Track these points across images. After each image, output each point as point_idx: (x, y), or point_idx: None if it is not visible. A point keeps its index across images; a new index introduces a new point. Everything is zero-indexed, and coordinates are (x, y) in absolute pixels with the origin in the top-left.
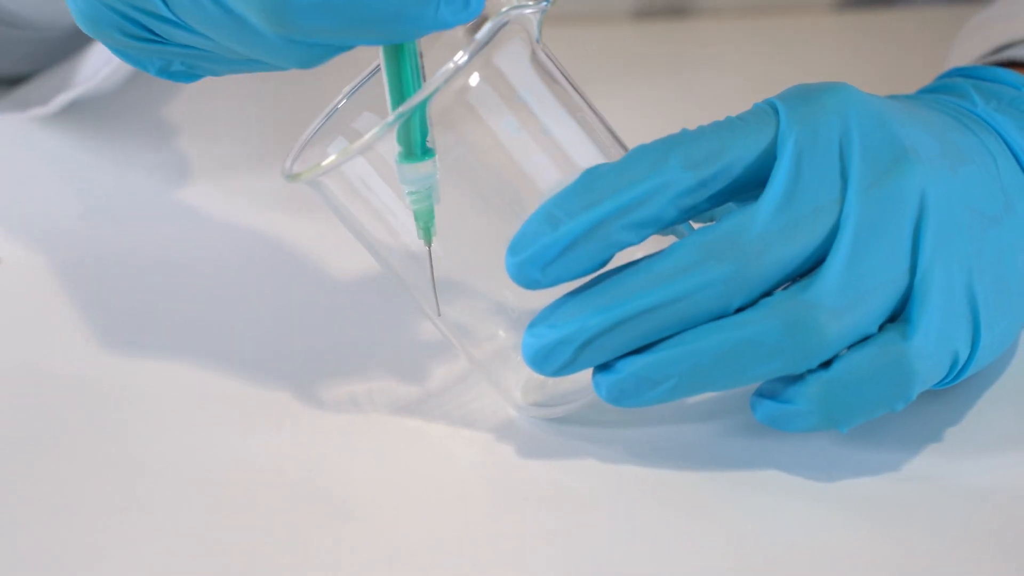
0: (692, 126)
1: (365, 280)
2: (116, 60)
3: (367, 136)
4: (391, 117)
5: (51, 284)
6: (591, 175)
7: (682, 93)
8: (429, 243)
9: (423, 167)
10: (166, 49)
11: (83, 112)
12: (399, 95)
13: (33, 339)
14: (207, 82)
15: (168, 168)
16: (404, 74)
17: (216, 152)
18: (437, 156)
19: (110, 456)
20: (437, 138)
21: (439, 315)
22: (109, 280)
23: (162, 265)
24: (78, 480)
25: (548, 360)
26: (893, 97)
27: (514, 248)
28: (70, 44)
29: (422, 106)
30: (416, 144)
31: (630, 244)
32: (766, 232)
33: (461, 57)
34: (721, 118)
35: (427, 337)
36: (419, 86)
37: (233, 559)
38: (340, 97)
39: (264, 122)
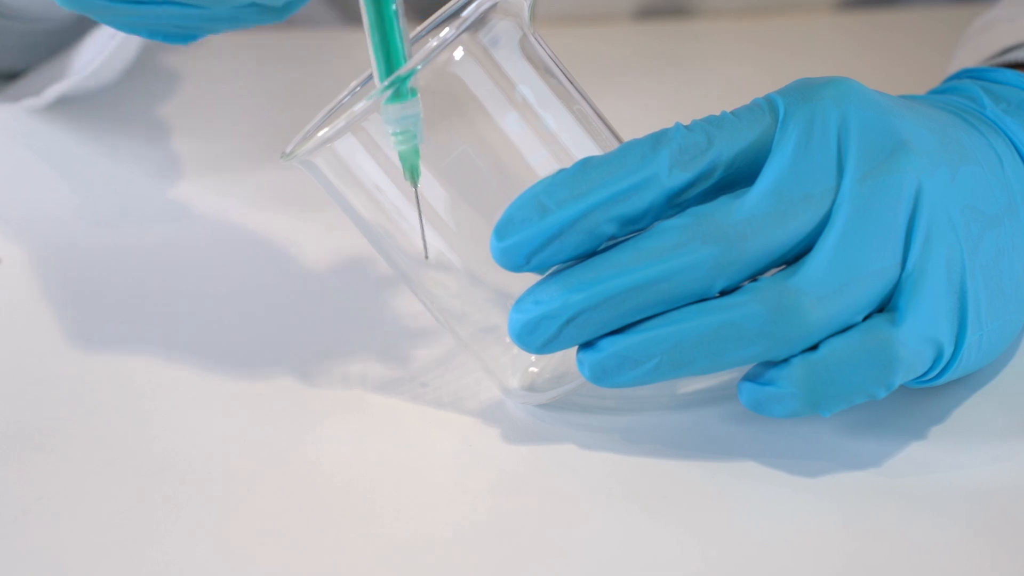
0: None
1: (360, 273)
2: (109, 50)
3: (357, 107)
4: (378, 90)
5: (51, 283)
6: (583, 165)
7: (683, 93)
8: (415, 184)
9: (407, 107)
10: (153, 10)
11: (82, 112)
12: (383, 51)
13: (33, 338)
14: (206, 81)
15: (167, 166)
16: (388, 29)
17: (215, 150)
18: (435, 149)
19: (110, 454)
20: (430, 128)
21: (427, 258)
22: (108, 278)
23: (160, 262)
24: (79, 479)
25: (533, 335)
26: (901, 96)
27: (500, 232)
28: (65, 37)
29: (395, 43)
30: (400, 83)
31: (616, 236)
32: (753, 216)
33: (447, 32)
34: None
35: (420, 324)
36: (402, 41)
37: (230, 552)
38: (344, 93)
39: (263, 120)
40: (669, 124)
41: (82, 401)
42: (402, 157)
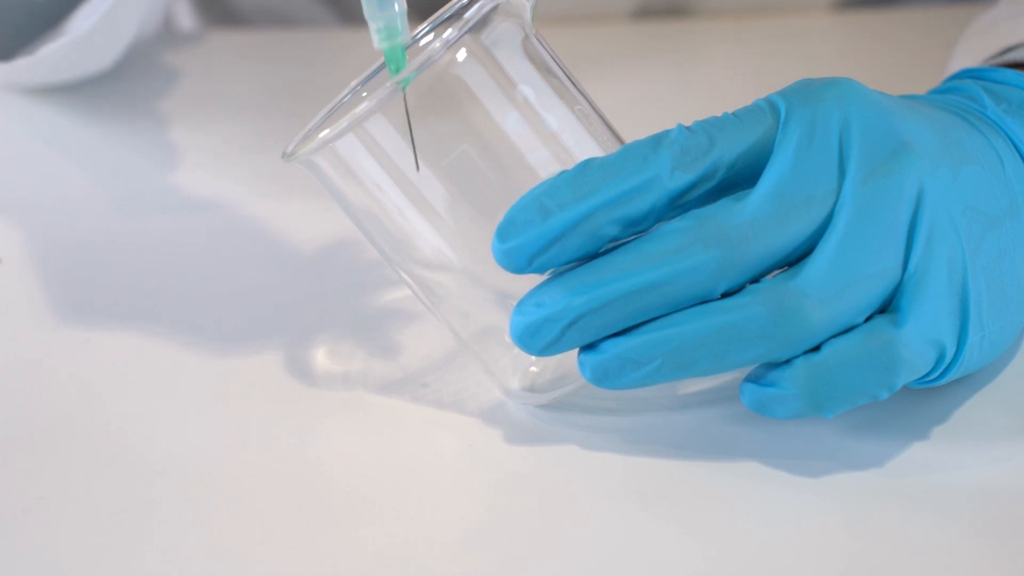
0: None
1: (360, 272)
2: (102, 11)
3: (359, 107)
4: (380, 92)
5: (50, 279)
6: (584, 167)
7: (682, 93)
8: (403, 87)
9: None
10: None
11: (81, 109)
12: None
13: (32, 337)
14: (205, 80)
15: (167, 162)
16: None
17: (214, 147)
18: (437, 149)
19: (112, 453)
20: (433, 128)
21: (417, 170)
22: (109, 274)
23: (160, 259)
24: (79, 479)
25: (535, 338)
26: (902, 96)
27: (502, 234)
28: (64, 6)
29: None
30: None
31: (618, 238)
32: (755, 219)
33: (450, 34)
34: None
35: (421, 324)
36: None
37: (230, 552)
38: (344, 93)
39: (262, 119)
40: (670, 125)
41: (82, 401)
42: (387, 56)
